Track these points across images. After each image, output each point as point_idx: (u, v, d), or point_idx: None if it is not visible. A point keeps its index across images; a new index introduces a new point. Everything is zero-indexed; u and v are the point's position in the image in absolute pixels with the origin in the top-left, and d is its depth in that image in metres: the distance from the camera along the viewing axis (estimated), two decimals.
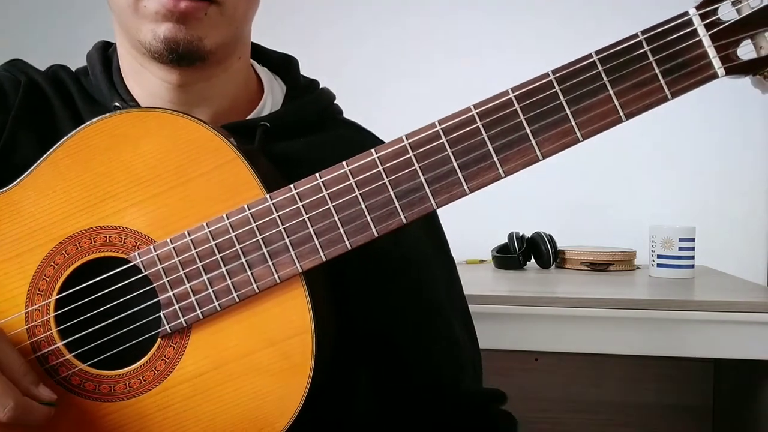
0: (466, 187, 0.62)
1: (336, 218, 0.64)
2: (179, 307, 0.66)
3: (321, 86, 0.90)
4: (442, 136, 0.62)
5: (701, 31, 0.59)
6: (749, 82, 0.62)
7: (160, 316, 0.67)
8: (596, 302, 1.36)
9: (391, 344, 0.82)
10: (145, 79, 0.78)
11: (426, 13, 2.08)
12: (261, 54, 0.90)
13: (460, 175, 0.62)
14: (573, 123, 0.61)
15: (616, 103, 0.60)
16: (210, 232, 0.66)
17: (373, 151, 0.64)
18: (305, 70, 0.91)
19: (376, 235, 0.64)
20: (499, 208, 1.88)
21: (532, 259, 1.82)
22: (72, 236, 0.68)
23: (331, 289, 0.72)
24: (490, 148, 0.62)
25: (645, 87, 0.60)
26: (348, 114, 0.91)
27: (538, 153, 0.61)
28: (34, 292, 0.69)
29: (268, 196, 0.65)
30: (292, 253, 0.65)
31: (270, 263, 0.65)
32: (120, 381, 0.68)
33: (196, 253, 0.66)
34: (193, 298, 0.66)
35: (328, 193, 0.64)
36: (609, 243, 1.89)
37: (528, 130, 0.61)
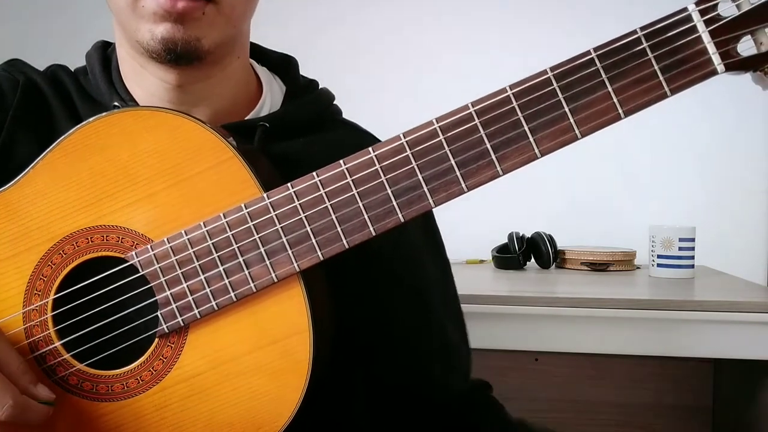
0: (464, 186, 0.62)
1: (333, 217, 0.64)
2: (176, 306, 0.66)
3: (320, 87, 0.90)
4: (440, 134, 0.62)
5: (701, 27, 0.58)
6: (749, 78, 0.61)
7: (157, 315, 0.66)
8: (596, 302, 1.36)
9: (385, 344, 0.82)
10: (144, 79, 0.78)
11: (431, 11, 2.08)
12: (260, 54, 0.89)
13: (458, 173, 0.62)
14: (571, 120, 0.60)
15: (615, 100, 0.60)
16: (207, 231, 0.65)
17: (370, 149, 0.63)
18: (307, 70, 0.91)
19: (374, 233, 0.64)
20: (499, 208, 1.88)
21: (532, 259, 1.82)
22: (69, 236, 0.68)
23: (329, 287, 0.72)
24: (488, 146, 0.62)
25: (644, 84, 0.59)
26: (348, 114, 0.91)
27: (537, 151, 0.61)
28: (32, 292, 0.68)
29: (265, 195, 0.65)
30: (290, 252, 0.64)
31: (267, 262, 0.65)
32: (117, 381, 0.68)
33: (193, 252, 0.66)
34: (190, 298, 0.66)
35: (325, 192, 0.64)
36: (609, 243, 1.89)
37: (526, 128, 0.61)
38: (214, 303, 0.66)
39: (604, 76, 0.60)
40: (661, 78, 0.59)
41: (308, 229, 0.64)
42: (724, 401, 1.77)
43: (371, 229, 0.64)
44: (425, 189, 0.63)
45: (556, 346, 1.39)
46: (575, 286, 1.57)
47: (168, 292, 0.66)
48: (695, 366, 1.80)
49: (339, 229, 0.64)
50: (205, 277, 0.66)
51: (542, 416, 1.82)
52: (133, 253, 0.67)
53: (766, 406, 1.49)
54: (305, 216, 0.64)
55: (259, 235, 0.65)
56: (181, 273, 0.66)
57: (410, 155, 0.63)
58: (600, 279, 1.65)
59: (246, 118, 0.81)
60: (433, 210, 0.75)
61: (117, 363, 0.68)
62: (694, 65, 0.59)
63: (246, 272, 0.65)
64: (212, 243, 0.65)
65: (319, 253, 0.64)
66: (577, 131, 0.60)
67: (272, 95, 0.85)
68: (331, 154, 0.66)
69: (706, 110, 1.94)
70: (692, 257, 1.64)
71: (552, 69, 0.61)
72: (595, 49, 0.60)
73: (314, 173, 0.64)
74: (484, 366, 0.87)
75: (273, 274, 0.65)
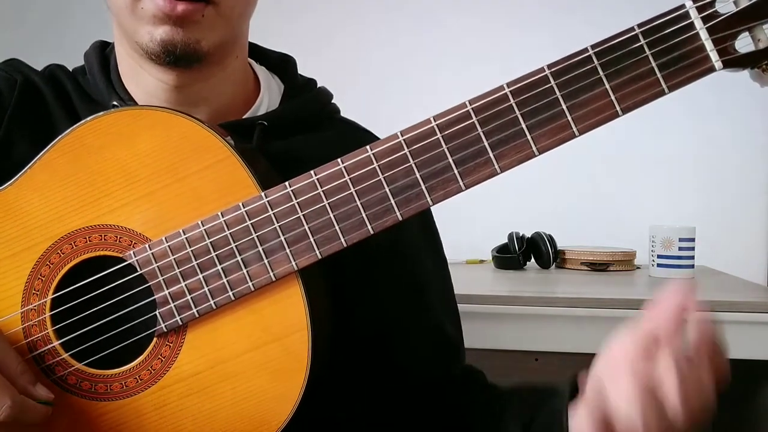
0: (461, 183, 0.62)
1: (331, 215, 0.64)
2: (175, 305, 0.66)
3: (318, 85, 0.90)
4: (438, 132, 0.62)
5: (698, 24, 0.58)
6: (748, 76, 0.61)
7: (155, 314, 0.66)
8: (596, 302, 1.35)
9: (384, 341, 0.82)
10: (142, 80, 0.78)
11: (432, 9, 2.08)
12: (259, 53, 0.89)
13: (455, 171, 0.62)
14: (569, 118, 0.60)
15: (613, 97, 0.60)
16: (205, 230, 0.65)
17: (368, 147, 0.63)
18: (312, 69, 0.91)
19: (372, 232, 0.64)
20: (499, 208, 1.88)
21: (532, 259, 1.82)
22: (67, 235, 0.68)
23: (327, 285, 0.72)
24: (486, 143, 0.61)
25: (641, 81, 0.59)
26: (348, 113, 0.91)
27: (534, 148, 0.61)
28: (30, 292, 0.68)
29: (263, 194, 0.65)
30: (288, 250, 0.64)
31: (265, 261, 0.65)
32: (116, 380, 0.68)
33: (192, 251, 0.66)
34: (188, 297, 0.66)
35: (323, 190, 0.64)
36: (609, 243, 1.88)
37: (524, 126, 0.61)
38: (212, 302, 0.65)
39: (601, 73, 0.60)
40: (659, 75, 0.59)
41: (306, 227, 0.64)
42: (724, 401, 1.77)
43: (369, 227, 0.63)
44: (423, 187, 0.62)
45: (556, 346, 1.39)
46: (575, 286, 1.57)
47: (166, 291, 0.66)
48: None
49: (337, 227, 0.64)
50: (203, 276, 0.66)
51: None
52: (131, 252, 0.67)
53: (766, 406, 1.49)
54: (303, 215, 0.64)
55: (257, 233, 0.65)
56: (179, 272, 0.66)
57: (408, 153, 0.63)
58: (600, 279, 1.65)
59: (244, 117, 0.81)
60: (433, 210, 0.75)
61: (115, 362, 0.68)
62: (691, 62, 0.59)
63: (244, 271, 0.65)
64: (210, 242, 0.65)
65: (317, 252, 0.64)
66: (574, 129, 0.60)
67: (270, 94, 0.85)
68: (329, 153, 0.66)
69: (706, 110, 1.93)
70: (692, 257, 1.63)
71: (549, 66, 0.61)
72: (593, 47, 0.60)
73: (312, 172, 0.64)
74: (484, 366, 0.87)
75: (271, 273, 0.65)
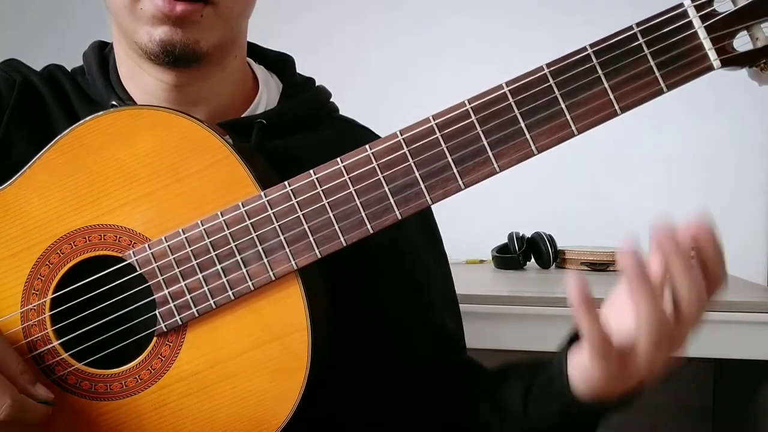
0: (461, 183, 0.62)
1: (331, 215, 0.64)
2: (174, 305, 0.66)
3: (317, 84, 0.90)
4: (437, 131, 0.62)
5: (696, 23, 0.58)
6: (746, 74, 0.61)
7: (155, 314, 0.66)
8: (596, 302, 1.35)
9: (384, 341, 0.82)
10: (141, 79, 0.78)
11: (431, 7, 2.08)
12: (257, 53, 0.90)
13: (455, 170, 0.62)
14: (568, 117, 0.60)
15: (611, 96, 0.60)
16: (204, 229, 0.65)
17: (367, 146, 0.63)
18: (311, 69, 0.91)
19: (371, 231, 0.64)
20: (499, 208, 1.87)
21: (532, 259, 1.81)
22: (67, 235, 0.68)
23: (327, 285, 0.72)
24: (485, 142, 0.62)
25: (640, 80, 0.59)
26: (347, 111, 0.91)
27: (533, 147, 0.61)
28: (30, 292, 0.68)
29: (262, 193, 0.65)
30: (287, 250, 0.64)
31: (265, 260, 0.65)
32: (116, 380, 0.68)
33: (191, 251, 0.66)
34: (188, 296, 0.66)
35: (322, 190, 0.64)
36: (607, 242, 1.88)
37: (523, 125, 0.61)
38: (212, 301, 0.66)
39: (600, 72, 0.60)
40: (658, 74, 0.59)
41: (305, 227, 0.64)
42: (724, 401, 1.77)
43: (369, 226, 0.64)
44: (422, 186, 0.63)
45: (556, 346, 1.38)
46: None
47: (166, 291, 0.66)
48: (695, 366, 1.80)
49: (336, 227, 0.64)
50: (203, 276, 0.66)
51: None
52: (131, 252, 0.67)
53: (766, 406, 1.49)
54: (302, 214, 0.64)
55: (257, 233, 0.65)
56: (179, 271, 0.66)
57: (407, 152, 0.63)
58: (600, 279, 1.64)
59: (242, 116, 0.81)
60: (433, 210, 0.75)
61: (115, 362, 0.68)
62: (690, 61, 0.59)
63: (244, 270, 0.65)
64: (210, 241, 0.65)
65: (317, 251, 0.64)
66: (573, 127, 0.61)
67: (269, 93, 0.85)
68: (327, 151, 0.66)
69: (705, 108, 1.93)
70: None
71: (548, 65, 0.61)
72: (591, 46, 0.60)
73: (311, 171, 0.64)
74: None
75: (271, 273, 0.65)
